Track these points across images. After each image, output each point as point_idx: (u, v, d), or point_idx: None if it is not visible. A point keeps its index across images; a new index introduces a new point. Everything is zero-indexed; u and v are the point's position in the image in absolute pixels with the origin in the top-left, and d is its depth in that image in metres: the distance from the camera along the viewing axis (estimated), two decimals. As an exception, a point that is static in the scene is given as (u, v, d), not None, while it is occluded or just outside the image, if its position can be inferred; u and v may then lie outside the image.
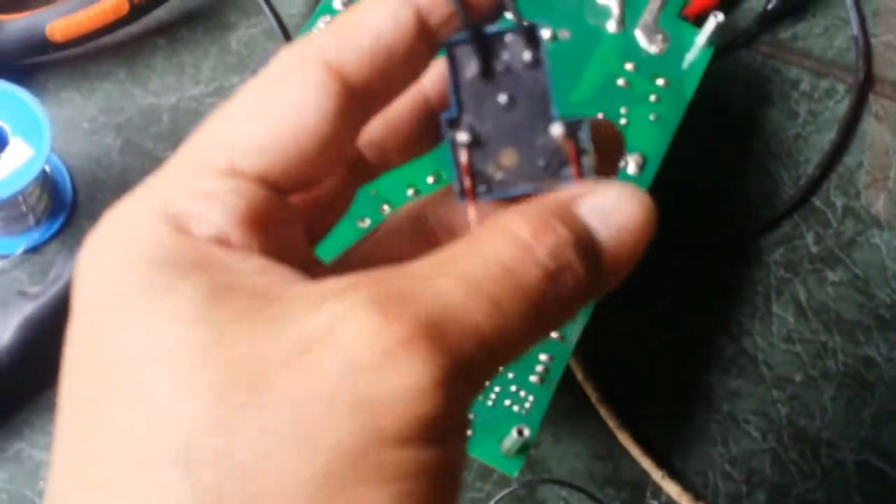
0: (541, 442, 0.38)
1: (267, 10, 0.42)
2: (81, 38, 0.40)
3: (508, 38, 0.18)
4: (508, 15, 0.19)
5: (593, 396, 0.38)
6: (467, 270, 0.16)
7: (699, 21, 0.42)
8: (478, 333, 0.16)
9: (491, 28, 0.18)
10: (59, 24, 0.40)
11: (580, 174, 0.18)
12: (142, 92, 0.42)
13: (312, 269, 0.18)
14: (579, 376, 0.38)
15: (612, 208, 0.18)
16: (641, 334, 0.40)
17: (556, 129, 0.18)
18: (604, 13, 0.40)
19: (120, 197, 0.40)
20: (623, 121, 0.38)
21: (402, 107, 0.20)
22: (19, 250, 0.38)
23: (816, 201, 0.44)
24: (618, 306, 0.40)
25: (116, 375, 0.16)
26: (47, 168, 0.39)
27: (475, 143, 0.18)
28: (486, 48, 0.18)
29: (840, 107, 0.47)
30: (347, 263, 0.21)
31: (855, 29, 0.49)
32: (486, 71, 0.18)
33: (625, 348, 0.40)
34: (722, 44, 0.47)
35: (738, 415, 0.39)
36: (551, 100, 0.18)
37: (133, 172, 0.40)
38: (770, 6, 0.48)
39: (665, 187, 0.38)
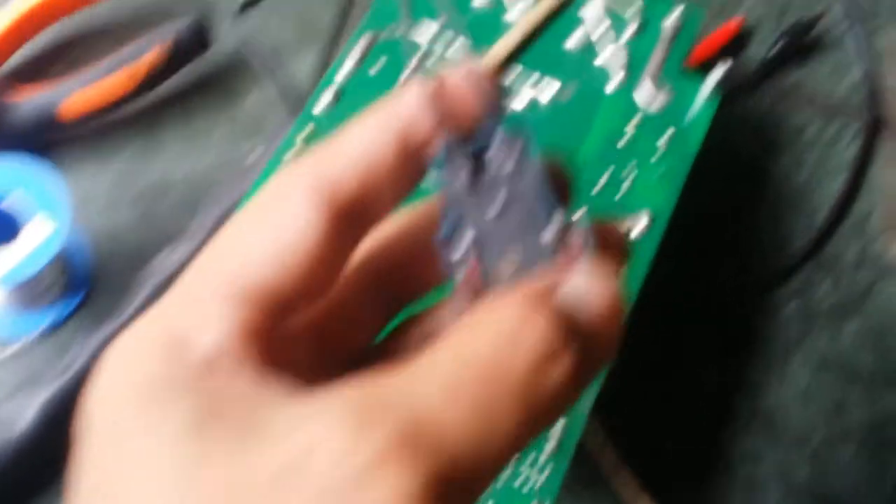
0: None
1: (273, 77, 0.42)
2: (93, 114, 0.41)
3: (495, 146, 0.19)
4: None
5: (608, 463, 0.38)
6: (449, 372, 0.16)
7: (704, 69, 0.42)
8: (459, 441, 0.16)
9: (477, 139, 0.19)
10: (70, 102, 0.40)
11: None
12: (156, 163, 0.43)
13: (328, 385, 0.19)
14: (593, 443, 0.38)
15: (590, 292, 0.18)
16: (655, 395, 0.40)
17: (552, 232, 0.18)
18: (606, 71, 0.40)
19: (137, 270, 0.40)
20: (629, 179, 0.38)
21: (426, 225, 0.21)
22: (39, 329, 0.38)
23: (829, 250, 0.44)
24: (631, 368, 0.40)
25: (110, 498, 0.16)
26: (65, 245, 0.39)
27: (473, 255, 0.19)
28: (474, 160, 0.19)
29: (849, 151, 0.47)
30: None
31: (862, 71, 0.49)
32: (476, 182, 0.19)
33: (638, 411, 0.40)
34: (726, 92, 0.47)
35: (757, 475, 0.39)
36: (543, 202, 0.18)
37: (149, 245, 0.40)
38: (773, 52, 0.48)
39: (675, 242, 0.38)
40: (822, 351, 0.42)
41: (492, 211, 0.19)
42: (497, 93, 0.19)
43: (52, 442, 0.34)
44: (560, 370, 0.17)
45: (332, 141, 0.19)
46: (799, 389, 0.41)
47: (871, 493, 0.39)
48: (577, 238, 0.18)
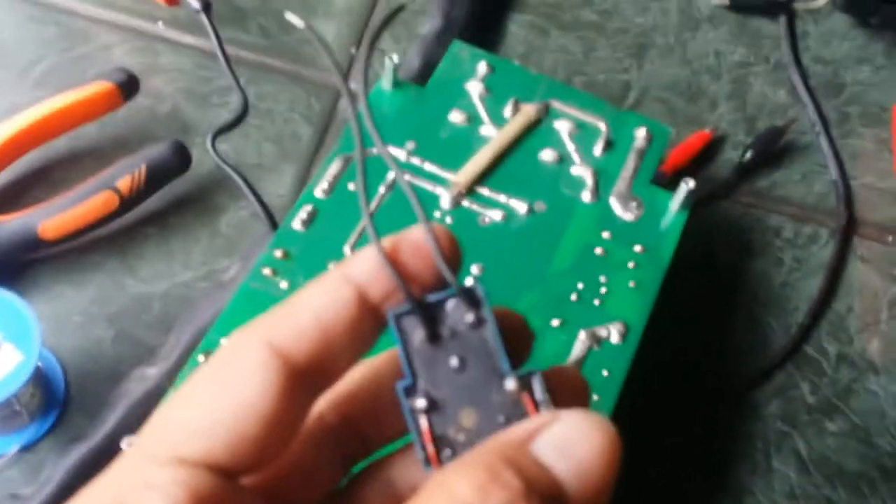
0: None
1: (250, 195, 0.43)
2: (73, 235, 0.42)
3: (450, 302, 0.19)
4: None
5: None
6: None
7: (678, 177, 0.43)
8: None
9: (432, 296, 0.19)
10: (50, 224, 0.41)
11: None
12: (133, 281, 0.43)
13: None
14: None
15: (571, 440, 0.17)
16: (639, 500, 0.40)
17: (510, 385, 0.19)
18: (578, 183, 0.41)
19: (112, 389, 0.40)
20: (603, 289, 0.38)
21: (386, 378, 0.21)
22: (13, 449, 0.38)
23: (809, 350, 0.44)
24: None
25: None
26: (40, 364, 0.39)
27: (433, 408, 0.19)
28: (431, 316, 0.19)
29: (825, 252, 0.47)
30: None
31: (833, 173, 0.49)
32: (434, 338, 0.19)
33: (623, 517, 0.39)
34: (701, 196, 0.48)
35: (745, 580, 0.38)
36: (501, 355, 0.19)
37: (125, 363, 0.40)
38: (747, 157, 0.49)
39: (653, 350, 0.38)
40: (806, 451, 0.41)
41: (451, 362, 0.19)
42: (452, 249, 0.20)
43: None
44: None
45: (289, 302, 0.19)
46: (784, 490, 0.40)
47: None
48: (535, 385, 0.19)
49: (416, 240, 0.19)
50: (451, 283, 0.19)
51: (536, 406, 0.19)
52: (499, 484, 0.16)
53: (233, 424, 0.18)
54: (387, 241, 0.19)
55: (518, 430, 0.18)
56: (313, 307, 0.19)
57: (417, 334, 0.19)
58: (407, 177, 0.40)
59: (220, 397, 0.18)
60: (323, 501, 0.21)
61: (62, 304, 0.42)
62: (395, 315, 0.19)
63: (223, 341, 0.35)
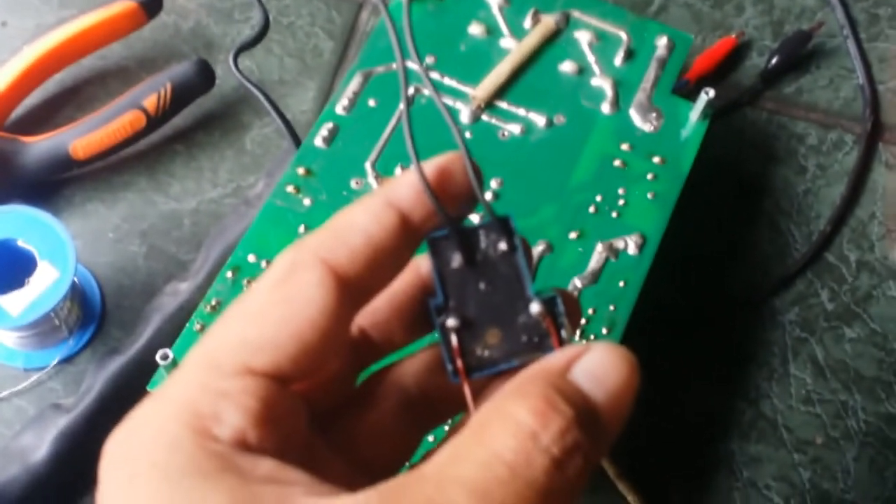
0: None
1: (273, 112, 0.44)
2: (103, 153, 0.43)
3: (484, 230, 0.21)
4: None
5: (611, 471, 0.39)
6: (475, 476, 0.17)
7: (703, 84, 0.42)
8: None
9: (469, 223, 0.21)
10: (80, 143, 0.42)
11: (560, 344, 0.20)
12: (163, 198, 0.44)
13: (313, 452, 0.20)
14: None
15: (604, 370, 0.19)
16: (658, 404, 0.41)
17: (535, 308, 0.20)
18: (598, 95, 0.41)
19: (146, 302, 0.41)
20: (621, 201, 0.38)
21: (403, 291, 0.22)
22: (54, 362, 0.40)
23: (830, 257, 0.44)
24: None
25: None
26: (76, 280, 0.41)
27: (463, 327, 0.20)
28: (468, 242, 0.21)
29: (849, 158, 0.47)
30: (343, 440, 0.22)
31: (860, 77, 0.49)
32: (470, 262, 0.21)
33: (642, 420, 0.40)
34: (726, 103, 0.48)
35: (760, 481, 0.40)
36: (527, 281, 0.20)
37: (157, 277, 0.42)
38: (772, 62, 0.48)
39: (676, 254, 0.39)
40: (823, 356, 0.42)
41: (480, 285, 0.21)
42: (479, 178, 0.21)
43: (67, 469, 0.36)
44: (579, 460, 0.18)
45: (337, 223, 0.20)
46: (801, 395, 0.41)
47: (871, 493, 0.39)
48: (557, 309, 0.20)
49: (448, 167, 0.21)
50: (488, 213, 0.21)
51: (557, 328, 0.20)
52: (556, 411, 0.18)
53: (298, 339, 0.19)
54: (426, 168, 0.21)
55: (556, 358, 0.19)
56: (363, 230, 0.20)
57: (453, 258, 0.21)
58: (427, 91, 0.40)
59: (285, 313, 0.19)
60: (339, 403, 0.23)
61: (95, 221, 0.43)
62: (431, 238, 0.21)
63: (251, 258, 0.36)
